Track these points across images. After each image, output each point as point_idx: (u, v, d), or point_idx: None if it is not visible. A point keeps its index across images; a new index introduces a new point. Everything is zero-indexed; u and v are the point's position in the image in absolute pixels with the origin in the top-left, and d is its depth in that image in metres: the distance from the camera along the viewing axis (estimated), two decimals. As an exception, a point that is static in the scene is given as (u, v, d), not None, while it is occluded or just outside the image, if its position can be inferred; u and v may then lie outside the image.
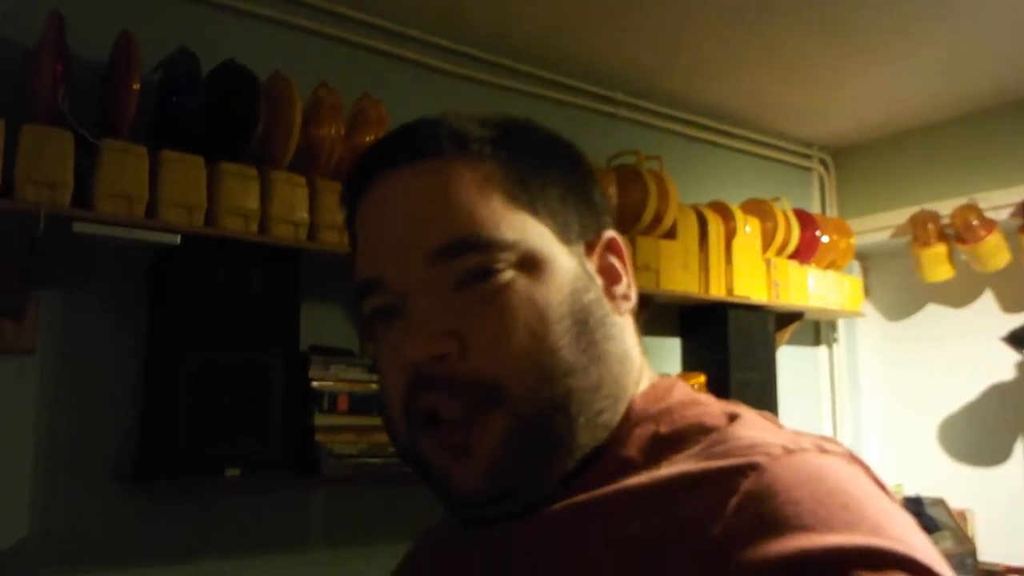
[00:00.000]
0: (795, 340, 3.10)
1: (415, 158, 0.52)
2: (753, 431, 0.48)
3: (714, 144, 3.05)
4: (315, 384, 1.90)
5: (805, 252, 2.94)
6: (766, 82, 2.77)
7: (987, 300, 3.07)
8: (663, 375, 0.60)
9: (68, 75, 1.65)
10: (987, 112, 2.96)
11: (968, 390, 3.02)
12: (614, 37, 2.44)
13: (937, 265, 2.98)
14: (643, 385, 0.57)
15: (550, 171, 0.55)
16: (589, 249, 0.56)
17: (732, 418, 0.51)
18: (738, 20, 2.34)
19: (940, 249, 2.96)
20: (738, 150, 3.13)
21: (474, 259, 0.49)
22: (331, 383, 1.92)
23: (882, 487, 0.47)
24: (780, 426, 0.52)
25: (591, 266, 0.55)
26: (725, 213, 2.72)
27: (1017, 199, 2.79)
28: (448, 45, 2.41)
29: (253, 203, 1.82)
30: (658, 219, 2.47)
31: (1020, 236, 2.78)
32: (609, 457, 0.52)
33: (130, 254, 1.79)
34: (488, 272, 0.49)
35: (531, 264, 0.50)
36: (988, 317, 3.01)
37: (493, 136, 0.53)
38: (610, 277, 0.56)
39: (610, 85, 2.73)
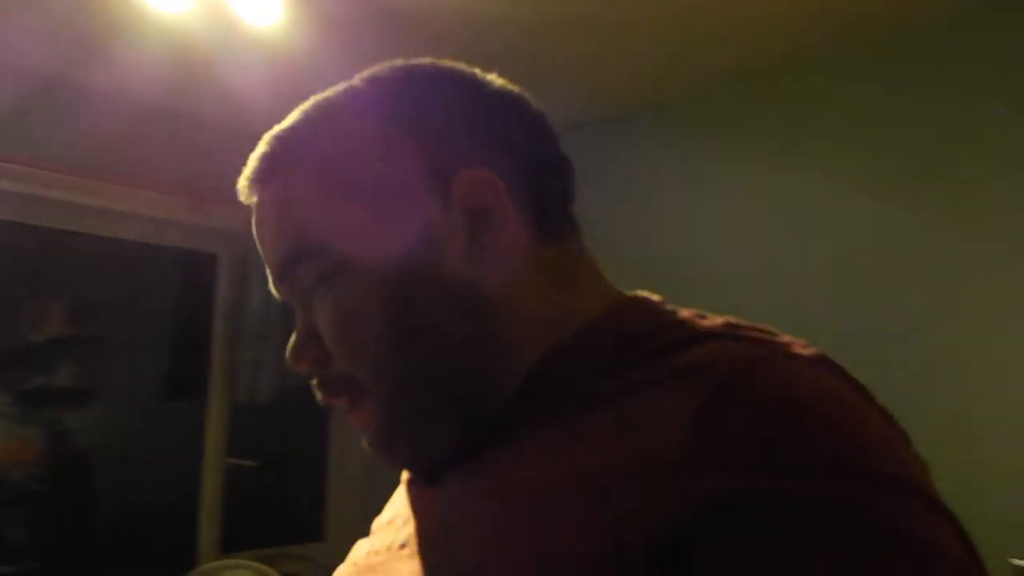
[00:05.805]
0: None
1: (253, 189, 0.58)
2: (727, 343, 0.49)
3: None
4: None
5: None
6: None
7: None
8: (636, 295, 0.58)
9: None
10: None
11: None
12: None
13: None
14: (581, 306, 0.56)
15: (357, 149, 0.54)
16: (445, 195, 0.53)
17: (703, 327, 0.52)
18: None
19: None
20: None
21: (301, 270, 0.54)
22: None
23: (862, 393, 0.47)
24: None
25: (450, 215, 0.53)
26: None
27: None
28: None
29: None
30: None
31: None
32: (550, 388, 0.53)
33: None
34: (314, 284, 0.54)
35: (341, 265, 0.53)
36: None
37: (286, 148, 0.56)
38: (479, 221, 0.53)
39: None
